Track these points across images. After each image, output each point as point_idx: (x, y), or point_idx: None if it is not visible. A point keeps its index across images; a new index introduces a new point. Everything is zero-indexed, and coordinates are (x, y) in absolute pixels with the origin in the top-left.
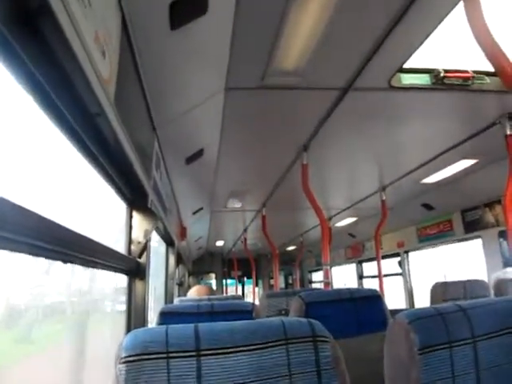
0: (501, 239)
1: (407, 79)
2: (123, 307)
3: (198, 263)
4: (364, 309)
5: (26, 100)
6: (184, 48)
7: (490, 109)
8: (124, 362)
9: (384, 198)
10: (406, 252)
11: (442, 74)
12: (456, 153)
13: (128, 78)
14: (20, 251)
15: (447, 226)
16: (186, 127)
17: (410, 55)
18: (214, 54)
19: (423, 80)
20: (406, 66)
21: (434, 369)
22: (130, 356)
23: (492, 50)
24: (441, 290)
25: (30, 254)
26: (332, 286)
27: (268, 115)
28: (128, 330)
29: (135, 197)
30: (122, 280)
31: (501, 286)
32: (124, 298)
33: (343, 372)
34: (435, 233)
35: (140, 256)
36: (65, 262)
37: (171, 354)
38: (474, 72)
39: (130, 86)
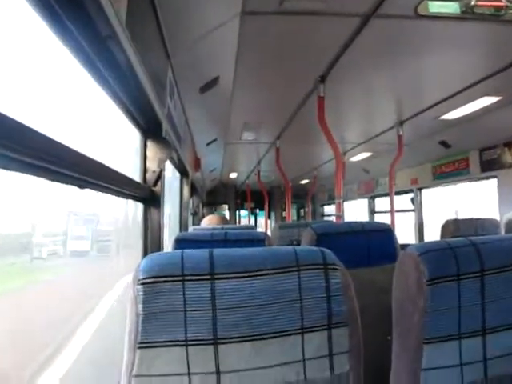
0: None
1: (435, 7)
2: None
3: (211, 194)
4: (375, 241)
5: (39, 24)
6: None
7: None
8: (142, 284)
9: (401, 133)
10: (420, 189)
11: (472, 2)
12: (479, 89)
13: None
14: (38, 175)
15: (463, 165)
16: (200, 54)
17: None
18: None
19: (452, 8)
20: None
21: (440, 299)
22: (147, 278)
23: None
24: (452, 227)
25: (47, 178)
26: (343, 220)
27: (285, 43)
28: (145, 254)
29: (149, 126)
30: None
31: None
32: None
33: (352, 298)
34: (451, 171)
35: (155, 185)
36: (81, 187)
37: (187, 277)
38: (508, 1)
39: (141, 7)
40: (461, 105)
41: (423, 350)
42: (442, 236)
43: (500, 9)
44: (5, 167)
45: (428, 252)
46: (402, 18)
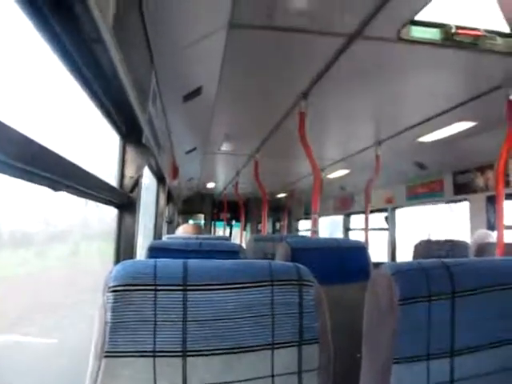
0: (488, 204)
1: (417, 32)
2: None
3: (188, 203)
4: (349, 259)
5: (23, 22)
6: None
7: (496, 71)
8: (112, 291)
9: (379, 153)
10: (394, 208)
11: (453, 30)
12: (455, 113)
13: (127, 4)
14: (11, 175)
15: (437, 187)
16: (185, 63)
17: (423, 7)
18: None
19: (433, 34)
20: (418, 18)
21: (411, 319)
22: (118, 285)
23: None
24: (424, 247)
25: (21, 178)
26: (318, 235)
27: (270, 57)
28: (117, 261)
29: (129, 131)
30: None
31: (482, 248)
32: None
33: (324, 315)
34: (425, 192)
35: (132, 191)
36: (55, 189)
37: (159, 287)
38: (486, 31)
39: (129, 13)
40: (437, 128)
41: (391, 370)
42: (415, 256)
43: (478, 38)
44: None
45: (400, 272)
46: (385, 40)
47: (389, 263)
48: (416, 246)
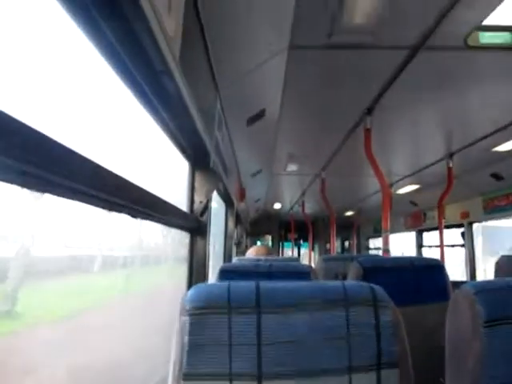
0: None
1: (486, 38)
2: None
3: (255, 224)
4: (425, 278)
5: (95, 57)
6: (247, 3)
7: None
8: (189, 315)
9: (451, 165)
10: (471, 223)
11: None
12: None
13: (192, 35)
14: (94, 205)
15: None
16: (248, 87)
17: (491, 11)
18: (278, 9)
19: (503, 39)
20: (486, 23)
21: (497, 343)
22: (194, 309)
23: None
24: (507, 263)
25: (103, 207)
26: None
27: (332, 76)
28: (189, 284)
29: (198, 157)
30: None
31: None
32: None
33: (403, 338)
34: (505, 204)
35: (202, 215)
36: (134, 216)
37: (233, 310)
38: None
39: (194, 43)
40: None
41: None
42: (497, 273)
43: None
44: (69, 197)
45: (485, 291)
46: (452, 49)
47: (471, 282)
48: (497, 263)
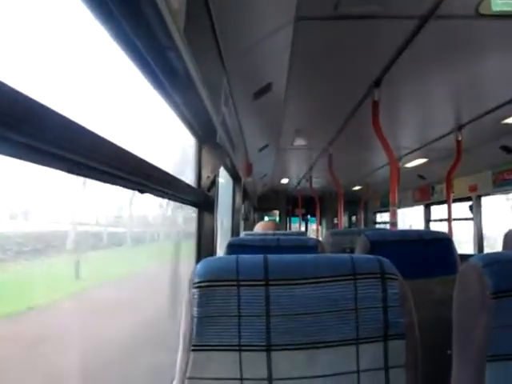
0: None
1: (497, 5)
2: None
3: (262, 200)
4: (432, 251)
5: (101, 32)
6: None
7: None
8: (197, 287)
9: (460, 138)
10: (479, 196)
11: None
12: None
13: (196, 8)
14: (100, 180)
15: None
16: (254, 60)
17: None
18: None
19: None
20: None
21: (505, 315)
22: (202, 281)
23: None
24: None
25: (109, 182)
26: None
27: (339, 48)
28: (198, 258)
29: (205, 132)
30: None
31: None
32: None
33: (411, 310)
34: None
35: (209, 190)
36: (141, 192)
37: (241, 283)
38: None
39: (198, 15)
40: None
41: (486, 368)
42: (505, 247)
43: None
44: (85, 175)
45: (493, 263)
46: (462, 18)
47: (479, 254)
48: (506, 236)
